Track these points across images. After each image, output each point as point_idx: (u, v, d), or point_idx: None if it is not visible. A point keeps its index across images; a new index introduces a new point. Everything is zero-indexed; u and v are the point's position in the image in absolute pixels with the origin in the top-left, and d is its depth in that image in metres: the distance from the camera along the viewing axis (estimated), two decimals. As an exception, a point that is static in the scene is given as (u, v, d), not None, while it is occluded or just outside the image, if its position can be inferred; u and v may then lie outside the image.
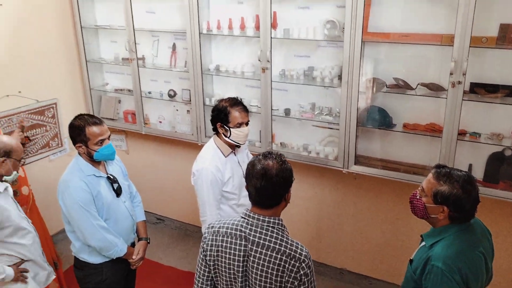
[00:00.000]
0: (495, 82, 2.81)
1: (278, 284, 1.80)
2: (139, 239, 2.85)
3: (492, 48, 2.74)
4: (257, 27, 3.40)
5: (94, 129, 2.48)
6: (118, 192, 2.64)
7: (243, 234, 1.85)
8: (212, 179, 2.57)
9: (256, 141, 3.66)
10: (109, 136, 2.56)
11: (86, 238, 2.51)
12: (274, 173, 1.80)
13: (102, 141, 2.51)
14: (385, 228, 3.55)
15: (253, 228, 1.84)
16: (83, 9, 4.13)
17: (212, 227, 1.94)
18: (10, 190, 2.63)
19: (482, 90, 2.83)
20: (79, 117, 2.55)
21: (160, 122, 4.13)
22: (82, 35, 4.16)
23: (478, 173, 3.01)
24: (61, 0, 4.08)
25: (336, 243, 3.80)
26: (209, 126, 3.70)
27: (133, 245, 2.84)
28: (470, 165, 3.04)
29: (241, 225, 1.86)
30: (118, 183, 2.65)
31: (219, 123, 2.64)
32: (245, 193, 2.68)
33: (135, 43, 3.89)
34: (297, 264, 1.78)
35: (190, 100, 3.82)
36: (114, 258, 2.61)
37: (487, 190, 2.87)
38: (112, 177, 2.64)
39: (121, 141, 4.63)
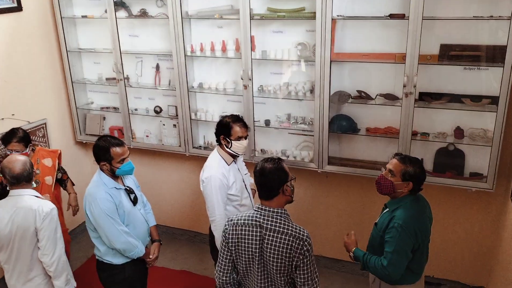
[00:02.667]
0: (439, 91, 3.47)
1: (287, 259, 2.32)
2: (153, 241, 3.24)
3: (435, 65, 3.39)
4: (237, 49, 3.89)
5: (118, 149, 2.88)
6: (134, 201, 3.05)
7: (258, 222, 2.36)
8: (219, 184, 3.03)
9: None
10: (128, 154, 2.95)
11: (112, 242, 2.88)
12: (268, 171, 2.35)
13: (123, 159, 2.91)
14: (353, 216, 4.13)
15: (265, 217, 2.36)
16: (67, 34, 4.42)
17: (231, 220, 2.45)
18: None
19: (428, 98, 3.48)
20: (103, 138, 2.93)
21: (147, 136, 4.49)
22: (68, 58, 4.45)
23: (429, 165, 3.65)
24: (47, 27, 4.37)
25: (312, 234, 4.29)
26: (196, 138, 4.19)
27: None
28: (422, 159, 3.67)
29: (256, 216, 2.38)
30: (135, 194, 3.05)
31: (222, 136, 3.10)
32: (246, 195, 3.20)
33: (122, 65, 4.24)
34: (301, 243, 2.31)
35: (176, 115, 4.23)
36: (135, 258, 3.00)
37: (436, 179, 3.52)
38: (129, 189, 3.03)
39: (106, 155, 4.93)
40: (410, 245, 2.55)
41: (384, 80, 3.62)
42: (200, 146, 4.31)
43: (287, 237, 2.31)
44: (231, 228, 2.43)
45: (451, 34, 3.32)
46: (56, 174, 3.76)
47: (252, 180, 3.49)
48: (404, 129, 3.46)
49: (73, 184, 3.96)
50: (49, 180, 3.69)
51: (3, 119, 3.97)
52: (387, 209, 2.72)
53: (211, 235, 3.25)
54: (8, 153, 3.38)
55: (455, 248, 3.86)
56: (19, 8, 4.04)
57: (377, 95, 3.64)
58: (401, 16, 3.32)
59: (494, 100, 3.27)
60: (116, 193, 2.92)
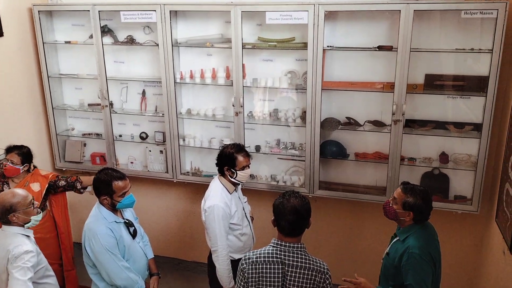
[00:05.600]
0: (424, 119, 3.64)
1: None
2: (151, 275, 3.16)
3: (420, 93, 3.57)
4: (228, 76, 3.93)
5: (120, 183, 2.83)
6: (134, 234, 2.98)
7: (279, 259, 2.37)
8: (222, 214, 3.02)
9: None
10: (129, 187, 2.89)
11: (113, 278, 2.79)
12: (303, 209, 2.37)
13: (125, 193, 2.85)
14: (342, 239, 4.21)
15: (287, 253, 2.38)
16: (48, 59, 4.31)
17: (249, 258, 2.42)
18: (32, 235, 2.84)
19: (415, 125, 3.65)
20: (104, 171, 2.86)
21: (132, 162, 4.42)
22: (49, 84, 4.33)
23: (415, 189, 3.80)
24: (27, 53, 4.25)
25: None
26: (183, 164, 4.16)
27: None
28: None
29: (276, 253, 2.38)
30: (134, 227, 2.99)
31: (226, 167, 3.10)
32: (246, 223, 3.21)
33: (108, 91, 4.18)
34: (323, 276, 2.35)
35: (164, 141, 4.20)
36: None
37: (423, 202, 3.66)
38: (128, 222, 2.96)
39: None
40: (431, 273, 2.58)
41: (371, 107, 3.76)
42: (188, 172, 4.28)
43: (310, 272, 2.33)
44: (249, 266, 2.40)
45: (435, 65, 3.51)
46: (58, 186, 3.69)
47: (250, 207, 3.51)
48: (393, 154, 3.60)
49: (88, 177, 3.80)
50: (36, 187, 3.62)
51: (-20, 145, 3.80)
52: (397, 238, 2.77)
53: (211, 265, 3.21)
54: (4, 162, 3.47)
55: (442, 268, 3.99)
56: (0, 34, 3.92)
57: (365, 121, 3.77)
58: (389, 48, 3.48)
59: (476, 127, 3.48)
60: (116, 227, 2.86)
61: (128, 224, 2.96)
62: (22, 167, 3.59)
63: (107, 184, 2.80)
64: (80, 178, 3.76)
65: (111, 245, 2.77)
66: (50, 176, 3.74)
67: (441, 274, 2.84)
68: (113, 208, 2.88)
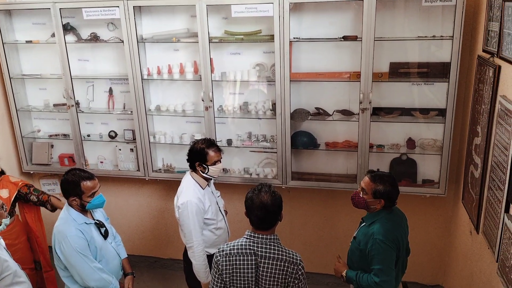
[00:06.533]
0: (390, 106, 3.72)
1: (283, 285, 2.37)
2: (125, 275, 3.12)
3: (386, 82, 3.64)
4: (196, 71, 3.91)
5: (89, 183, 2.77)
6: (105, 235, 2.93)
7: (252, 250, 2.38)
8: (196, 209, 3.00)
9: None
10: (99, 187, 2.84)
11: (85, 280, 2.75)
12: (270, 204, 2.38)
13: (94, 193, 2.79)
14: (316, 228, 4.27)
15: (259, 244, 2.39)
16: (9, 60, 4.17)
17: (223, 250, 2.43)
18: (2, 241, 2.75)
19: (382, 112, 3.72)
20: (71, 172, 2.79)
21: (102, 162, 4.34)
22: (11, 85, 4.20)
23: (384, 175, 3.89)
24: (-14, 52, 4.10)
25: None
26: (155, 161, 4.13)
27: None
28: (378, 169, 3.89)
29: (249, 244, 2.40)
30: (105, 227, 2.94)
31: (197, 162, 3.08)
32: (220, 217, 3.22)
33: (73, 91, 4.09)
34: (296, 267, 2.37)
35: (134, 139, 4.14)
36: None
37: (393, 188, 3.75)
38: (99, 222, 2.92)
39: (55, 185, 4.69)
40: (394, 256, 2.68)
41: (339, 97, 3.81)
42: (160, 169, 4.24)
43: (282, 263, 2.35)
44: (223, 258, 2.41)
45: (399, 53, 3.58)
46: (29, 199, 3.61)
47: (223, 201, 3.51)
48: (362, 142, 3.66)
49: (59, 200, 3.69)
50: (4, 193, 3.53)
51: None
52: (364, 223, 2.83)
53: (187, 262, 3.20)
54: None
55: (412, 250, 4.10)
56: (-44, 35, 3.78)
57: (334, 111, 3.82)
58: (354, 38, 3.53)
59: (440, 112, 3.58)
60: (87, 228, 2.80)
61: (99, 225, 2.91)
62: None
63: (75, 184, 2.74)
64: (51, 200, 3.64)
65: (82, 247, 2.72)
66: (20, 183, 3.64)
67: (406, 257, 2.95)
68: (83, 209, 2.82)
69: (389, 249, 2.65)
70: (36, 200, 3.65)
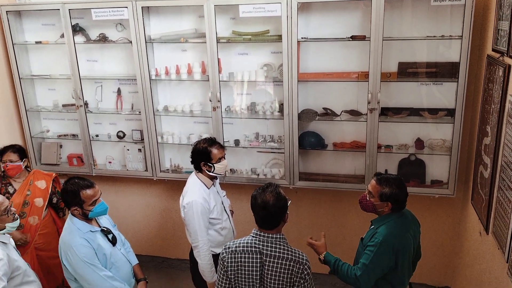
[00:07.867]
0: (399, 106, 3.70)
1: (289, 284, 2.36)
2: (138, 281, 3.09)
3: (394, 81, 3.62)
4: (204, 71, 3.92)
5: (88, 192, 2.72)
6: (113, 241, 2.89)
7: (257, 249, 2.38)
8: (201, 209, 3.01)
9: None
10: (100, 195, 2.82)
11: None
12: (272, 204, 2.37)
13: (95, 201, 2.76)
14: (323, 228, 4.24)
15: (265, 243, 2.39)
16: (19, 61, 4.21)
17: (229, 247, 2.44)
18: (12, 241, 2.77)
19: (390, 112, 3.70)
20: (70, 181, 2.74)
21: (110, 162, 4.36)
22: (21, 86, 4.23)
23: (393, 176, 3.87)
24: (-3, 54, 4.14)
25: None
26: (163, 162, 4.14)
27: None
28: (386, 170, 3.89)
29: (255, 242, 2.40)
30: (112, 233, 2.91)
31: (202, 162, 3.09)
32: (225, 217, 3.22)
33: (82, 91, 4.11)
34: (301, 267, 2.36)
35: (142, 140, 4.16)
36: None
37: (401, 188, 3.73)
38: (105, 229, 2.89)
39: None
40: (387, 262, 2.61)
41: (347, 97, 3.80)
42: (168, 170, 4.25)
43: (288, 262, 2.35)
44: (229, 256, 2.41)
45: (408, 52, 3.57)
46: (51, 199, 3.72)
47: (229, 201, 3.51)
48: (370, 142, 3.64)
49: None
50: (39, 202, 3.64)
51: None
52: (373, 226, 2.80)
53: (193, 262, 3.21)
54: (3, 165, 3.55)
55: (422, 251, 4.09)
56: (-33, 36, 3.82)
57: (342, 111, 3.81)
58: (362, 38, 3.52)
59: (449, 112, 3.55)
60: (92, 236, 2.75)
61: (106, 232, 2.88)
62: (22, 162, 3.64)
63: (75, 194, 2.69)
64: (66, 211, 3.76)
65: (89, 256, 2.67)
66: (53, 175, 3.82)
67: (411, 267, 2.88)
68: (86, 218, 2.78)
69: (384, 253, 2.60)
70: (55, 202, 3.76)
